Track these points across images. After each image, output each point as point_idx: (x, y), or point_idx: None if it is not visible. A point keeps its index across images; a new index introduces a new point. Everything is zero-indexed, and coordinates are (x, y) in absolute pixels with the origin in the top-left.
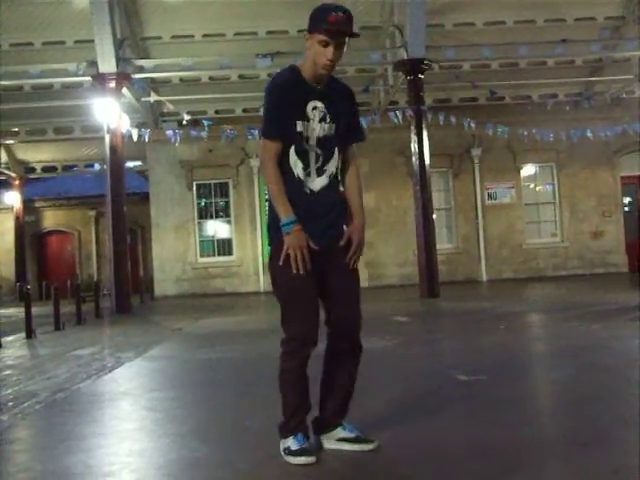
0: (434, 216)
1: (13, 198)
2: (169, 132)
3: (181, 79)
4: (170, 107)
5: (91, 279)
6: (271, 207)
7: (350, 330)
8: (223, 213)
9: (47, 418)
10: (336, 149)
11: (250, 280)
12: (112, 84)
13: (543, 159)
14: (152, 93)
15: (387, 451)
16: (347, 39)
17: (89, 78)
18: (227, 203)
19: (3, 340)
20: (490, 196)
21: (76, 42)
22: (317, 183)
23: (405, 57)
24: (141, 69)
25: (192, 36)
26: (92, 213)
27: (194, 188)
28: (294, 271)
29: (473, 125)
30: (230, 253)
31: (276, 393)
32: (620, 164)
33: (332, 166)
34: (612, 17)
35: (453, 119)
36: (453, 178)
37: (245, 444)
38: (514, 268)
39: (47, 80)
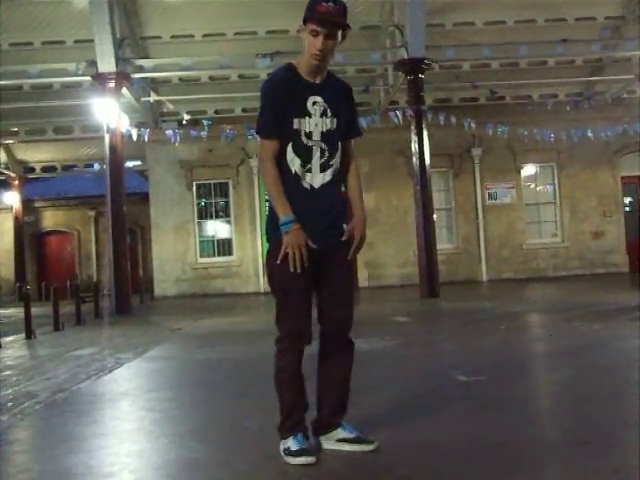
0: (434, 216)
1: (12, 198)
2: (169, 132)
3: (181, 79)
4: (170, 107)
5: (91, 279)
6: (271, 206)
7: (341, 330)
8: (223, 213)
9: (47, 419)
10: (339, 143)
11: (250, 280)
12: (112, 84)
13: (543, 159)
14: (152, 93)
15: (387, 451)
16: (340, 32)
17: (89, 78)
18: (227, 203)
19: (3, 340)
20: (490, 196)
21: (76, 42)
22: (319, 179)
23: (405, 57)
24: (141, 69)
25: (192, 36)
26: (92, 213)
27: (194, 188)
28: (292, 270)
29: (473, 125)
30: (230, 253)
31: (275, 393)
32: (621, 164)
33: (337, 161)
34: (612, 17)
35: (453, 119)
36: (453, 178)
37: (244, 444)
38: (514, 268)
39: (47, 80)
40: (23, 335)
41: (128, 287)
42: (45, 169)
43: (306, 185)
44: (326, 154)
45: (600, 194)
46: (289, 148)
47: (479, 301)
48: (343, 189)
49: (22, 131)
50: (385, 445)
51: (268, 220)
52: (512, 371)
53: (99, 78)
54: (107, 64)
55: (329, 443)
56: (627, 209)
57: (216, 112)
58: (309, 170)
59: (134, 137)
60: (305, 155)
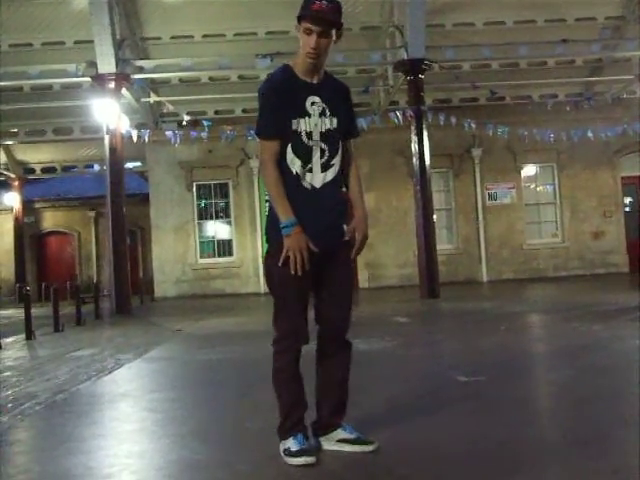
0: (434, 217)
1: (12, 199)
2: (169, 133)
3: (181, 79)
4: (170, 108)
5: (91, 280)
6: (271, 208)
7: (339, 331)
8: (223, 214)
9: (47, 419)
10: (340, 143)
11: (250, 281)
12: (111, 85)
13: (543, 159)
14: (152, 94)
15: (387, 452)
16: (334, 31)
17: (88, 79)
18: (227, 204)
19: (3, 341)
20: (490, 196)
21: (75, 43)
22: (320, 179)
23: (405, 57)
24: (141, 70)
25: (192, 36)
26: (92, 214)
27: (194, 189)
28: (292, 273)
29: (473, 125)
30: (230, 254)
31: (274, 394)
32: (621, 164)
33: (338, 160)
34: (612, 17)
35: (453, 119)
36: (453, 178)
37: (245, 445)
38: (514, 269)
39: (46, 81)
40: (23, 336)
41: (128, 288)
42: (45, 170)
43: (307, 185)
44: (326, 154)
45: (600, 194)
46: (289, 149)
47: (479, 301)
48: (344, 189)
49: (22, 132)
50: (385, 446)
51: (268, 221)
52: (512, 371)
53: (99, 79)
54: (107, 65)
55: (329, 444)
56: (627, 209)
57: (216, 113)
58: (310, 170)
59: (134, 138)
60: (305, 155)
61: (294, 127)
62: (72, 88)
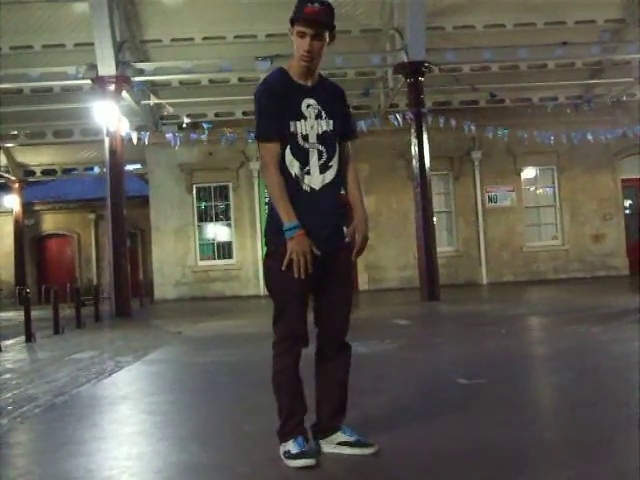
0: (434, 219)
1: (12, 201)
2: (169, 135)
3: (181, 82)
4: (170, 110)
5: (91, 282)
6: (271, 210)
7: (338, 333)
8: (223, 216)
9: (47, 422)
10: (337, 144)
11: (250, 283)
12: (112, 87)
13: (543, 162)
14: (152, 96)
15: (387, 455)
16: (327, 33)
17: (89, 81)
18: (227, 206)
19: (3, 344)
20: (490, 199)
21: (76, 45)
22: (319, 181)
23: (405, 60)
24: (141, 72)
25: (192, 39)
26: (92, 216)
27: (194, 191)
28: (296, 276)
29: (473, 128)
30: (230, 256)
31: (274, 397)
32: (621, 167)
33: (336, 162)
34: (612, 20)
35: (453, 122)
36: (453, 181)
37: (244, 448)
38: (514, 271)
39: (47, 83)
40: (23, 338)
41: (128, 290)
42: (45, 172)
43: (306, 188)
44: (324, 156)
45: (600, 197)
46: (287, 151)
47: (479, 304)
48: (343, 192)
49: (22, 134)
50: (385, 448)
51: (267, 223)
52: (512, 374)
53: (99, 81)
54: (107, 67)
55: (329, 447)
56: (627, 212)
57: (216, 115)
58: (308, 172)
59: (134, 140)
60: (303, 158)
61: (292, 129)
62: (72, 90)
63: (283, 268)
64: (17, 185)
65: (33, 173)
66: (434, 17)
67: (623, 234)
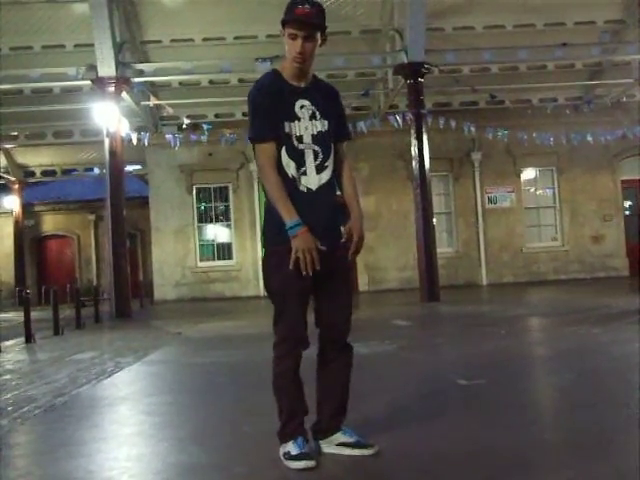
0: (434, 220)
1: (12, 202)
2: (169, 136)
3: (181, 83)
4: (170, 111)
5: (90, 283)
6: (267, 212)
7: (339, 334)
8: (223, 217)
9: (47, 423)
10: (332, 145)
11: (250, 284)
12: (112, 88)
13: (543, 163)
14: (152, 97)
15: (387, 456)
16: (319, 34)
17: (89, 82)
18: (227, 207)
19: (3, 345)
20: (490, 200)
21: (76, 46)
22: (316, 181)
23: (405, 61)
24: (141, 73)
25: (192, 40)
26: (91, 217)
27: (194, 192)
28: (303, 273)
29: (473, 129)
30: (230, 257)
31: (274, 398)
32: (620, 168)
33: (331, 162)
34: (612, 21)
35: (453, 123)
36: (453, 182)
37: (243, 449)
38: (514, 272)
39: (47, 84)
40: (23, 339)
41: (128, 291)
42: (45, 173)
43: (303, 188)
44: (320, 156)
45: (600, 198)
46: (283, 152)
47: (479, 305)
48: (338, 192)
49: (22, 135)
50: (385, 449)
51: (266, 225)
52: (512, 375)
53: (99, 82)
54: (107, 68)
55: (329, 447)
56: (627, 213)
57: (216, 116)
58: (304, 173)
59: (134, 141)
60: (298, 158)
61: (286, 130)
62: (72, 91)
63: (290, 267)
64: (17, 186)
65: (33, 174)
66: (434, 18)
67: (623, 235)
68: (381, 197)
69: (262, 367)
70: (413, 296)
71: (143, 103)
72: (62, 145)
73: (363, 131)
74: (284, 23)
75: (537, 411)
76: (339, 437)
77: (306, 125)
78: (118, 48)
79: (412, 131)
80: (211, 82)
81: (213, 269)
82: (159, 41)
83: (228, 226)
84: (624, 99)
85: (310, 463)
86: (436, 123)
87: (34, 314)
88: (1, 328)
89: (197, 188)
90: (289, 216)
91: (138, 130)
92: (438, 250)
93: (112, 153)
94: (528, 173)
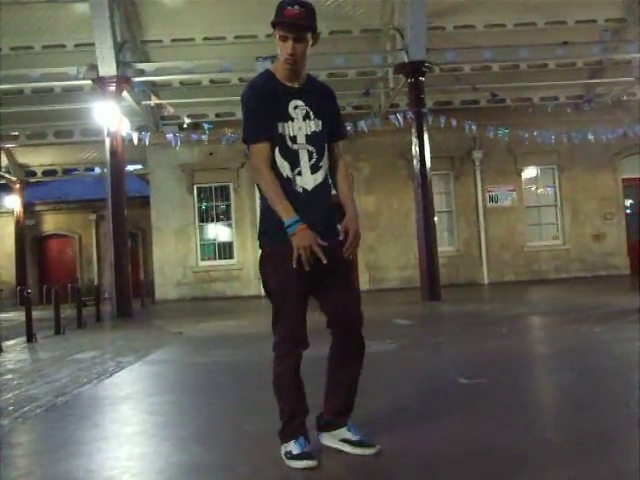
0: (435, 219)
1: (13, 202)
2: (169, 135)
3: (181, 82)
4: (170, 110)
5: (92, 283)
6: (264, 212)
7: (354, 326)
8: (224, 216)
9: (48, 422)
10: (326, 145)
11: (251, 284)
12: (112, 87)
13: (544, 161)
14: (152, 96)
15: (388, 455)
16: (309, 34)
17: (89, 81)
18: (228, 206)
19: (4, 344)
20: (491, 199)
21: (76, 45)
22: (311, 181)
23: (406, 60)
24: (141, 72)
25: (192, 39)
26: (92, 217)
27: (195, 191)
28: (307, 269)
29: (474, 128)
30: (231, 257)
31: (275, 397)
32: (621, 166)
33: (326, 162)
34: (613, 19)
35: (454, 122)
36: (454, 181)
37: (245, 448)
38: (515, 271)
39: (47, 84)
40: (24, 339)
41: (129, 290)
42: (46, 173)
43: (299, 189)
44: (314, 156)
45: (601, 196)
46: (277, 153)
47: (480, 304)
48: (334, 192)
49: (23, 135)
50: (386, 448)
51: (262, 226)
52: (513, 374)
53: (100, 82)
54: (108, 68)
55: (331, 440)
56: (628, 211)
57: (217, 115)
58: (299, 173)
59: (135, 141)
60: (292, 159)
61: (280, 130)
62: (73, 91)
63: (294, 265)
64: (18, 186)
65: (34, 174)
66: (434, 17)
67: (624, 233)
68: (382, 196)
69: (263, 366)
70: (414, 295)
71: (144, 103)
72: (63, 145)
73: (364, 130)
74: (274, 25)
75: (538, 410)
76: (343, 433)
77: (300, 125)
78: (119, 48)
79: (413, 130)
80: (212, 81)
81: (214, 268)
82: (160, 41)
83: (229, 225)
84: (625, 97)
85: (311, 463)
86: (437, 122)
87: (35, 314)
88: (2, 327)
89: (198, 187)
90: (287, 214)
91: (139, 130)
92: (439, 249)
93: (113, 153)
94: (529, 172)
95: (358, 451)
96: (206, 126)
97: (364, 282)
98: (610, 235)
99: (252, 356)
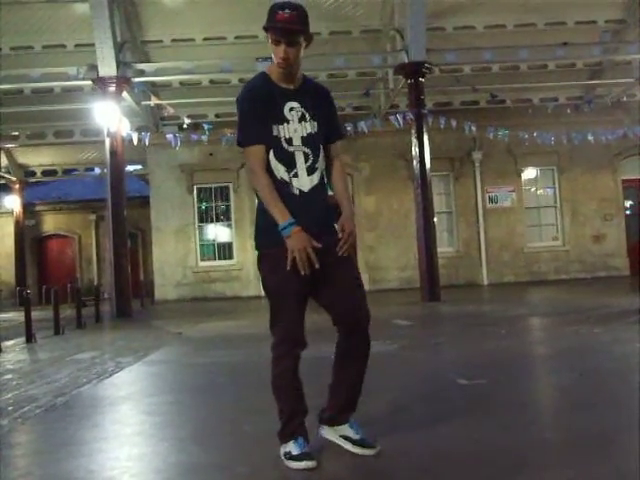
0: (435, 219)
1: (13, 202)
2: (169, 136)
3: (181, 83)
4: (170, 111)
5: (91, 283)
6: (259, 215)
7: (360, 322)
8: (224, 217)
9: (47, 423)
10: (321, 146)
11: (250, 284)
12: (112, 88)
13: (544, 162)
14: (152, 97)
15: (388, 456)
16: (302, 37)
17: (89, 82)
18: (228, 207)
19: (3, 344)
20: (491, 199)
21: (76, 46)
22: (308, 183)
23: (406, 60)
24: (141, 73)
25: (192, 39)
26: (92, 217)
27: (194, 192)
28: (302, 273)
29: (474, 128)
30: (231, 257)
31: (274, 398)
32: (621, 167)
33: (322, 163)
34: (613, 20)
35: (454, 122)
36: (454, 181)
37: (244, 448)
38: (515, 272)
39: (47, 84)
40: (24, 339)
41: (129, 291)
42: (46, 173)
43: (295, 191)
44: (310, 158)
45: (601, 197)
46: (271, 155)
47: (480, 304)
48: (330, 193)
49: (23, 135)
50: (386, 449)
51: (257, 228)
52: (513, 375)
53: (100, 82)
54: (108, 68)
55: (332, 435)
56: (628, 212)
57: (217, 116)
58: (295, 175)
59: (135, 141)
60: (288, 161)
61: (274, 133)
62: (73, 91)
63: (288, 268)
64: (18, 186)
65: (34, 174)
66: (434, 18)
67: (624, 234)
68: (382, 197)
69: (262, 367)
70: (414, 296)
71: (144, 103)
72: (63, 145)
73: (364, 131)
74: (266, 29)
75: (538, 411)
76: (345, 429)
77: (295, 127)
78: (119, 48)
79: (413, 131)
80: (212, 82)
81: (214, 269)
82: (160, 41)
83: (229, 226)
84: (625, 99)
85: (311, 463)
86: (437, 123)
87: (35, 314)
88: (2, 328)
89: (198, 188)
90: (282, 217)
91: (139, 130)
92: (439, 250)
93: (113, 153)
94: (529, 173)
95: (358, 450)
96: (206, 126)
97: (364, 282)
98: (610, 236)
99: (251, 357)
